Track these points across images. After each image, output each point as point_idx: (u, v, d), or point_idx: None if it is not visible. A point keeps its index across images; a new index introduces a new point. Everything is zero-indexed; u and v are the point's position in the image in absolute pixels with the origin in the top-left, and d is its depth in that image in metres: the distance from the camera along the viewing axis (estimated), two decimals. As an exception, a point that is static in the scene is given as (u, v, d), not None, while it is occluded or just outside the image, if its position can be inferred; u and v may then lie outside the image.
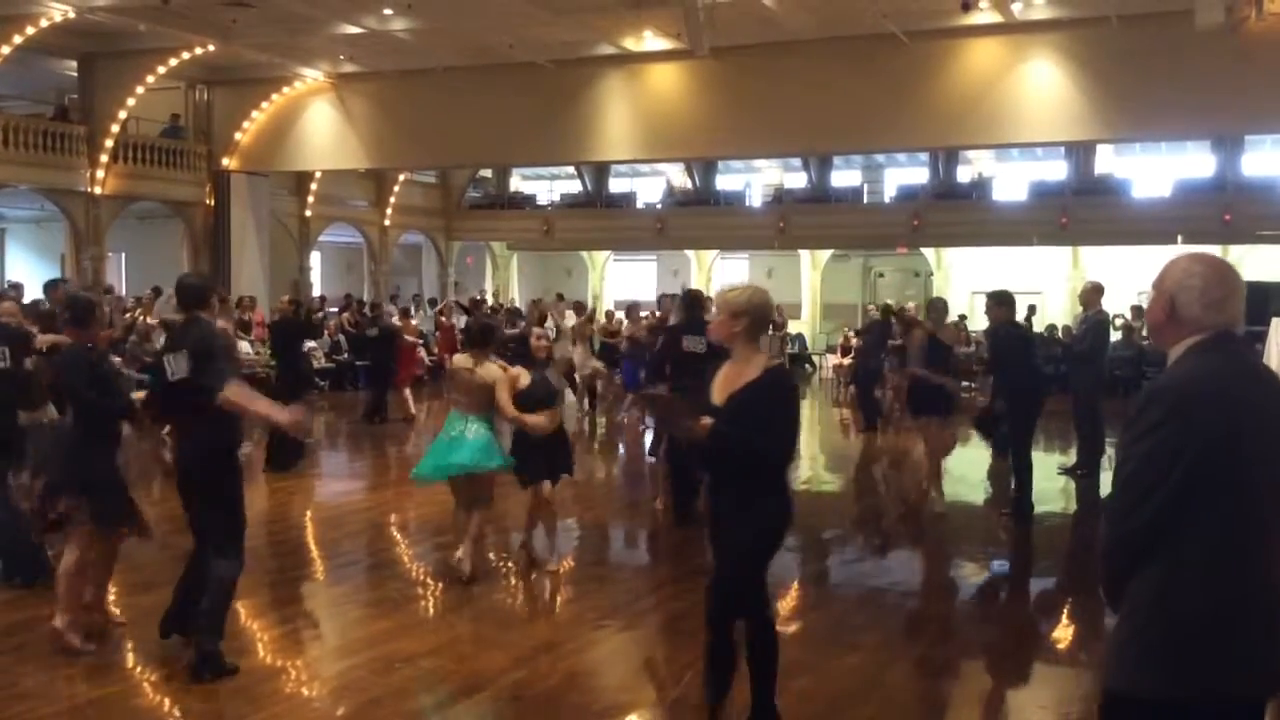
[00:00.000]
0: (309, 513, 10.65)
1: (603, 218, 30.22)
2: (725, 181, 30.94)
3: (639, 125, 20.74)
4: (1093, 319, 12.17)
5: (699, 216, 28.99)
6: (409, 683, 5.68)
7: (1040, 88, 17.94)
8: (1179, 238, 21.44)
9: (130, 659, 6.07)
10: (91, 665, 5.75)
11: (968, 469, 12.51)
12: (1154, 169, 26.36)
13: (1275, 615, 2.74)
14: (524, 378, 7.60)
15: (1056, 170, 26.92)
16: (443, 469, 7.60)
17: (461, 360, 7.81)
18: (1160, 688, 2.66)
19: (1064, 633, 7.00)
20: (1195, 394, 2.65)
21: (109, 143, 21.43)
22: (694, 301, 9.86)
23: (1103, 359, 12.71)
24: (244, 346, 17.81)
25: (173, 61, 21.28)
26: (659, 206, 30.27)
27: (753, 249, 30.74)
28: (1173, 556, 2.63)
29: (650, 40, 19.63)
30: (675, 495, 9.45)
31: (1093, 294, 12.19)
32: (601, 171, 30.47)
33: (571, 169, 31.13)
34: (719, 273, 31.41)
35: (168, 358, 5.69)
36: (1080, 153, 25.58)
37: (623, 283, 33.89)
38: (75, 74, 22.35)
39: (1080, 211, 24.59)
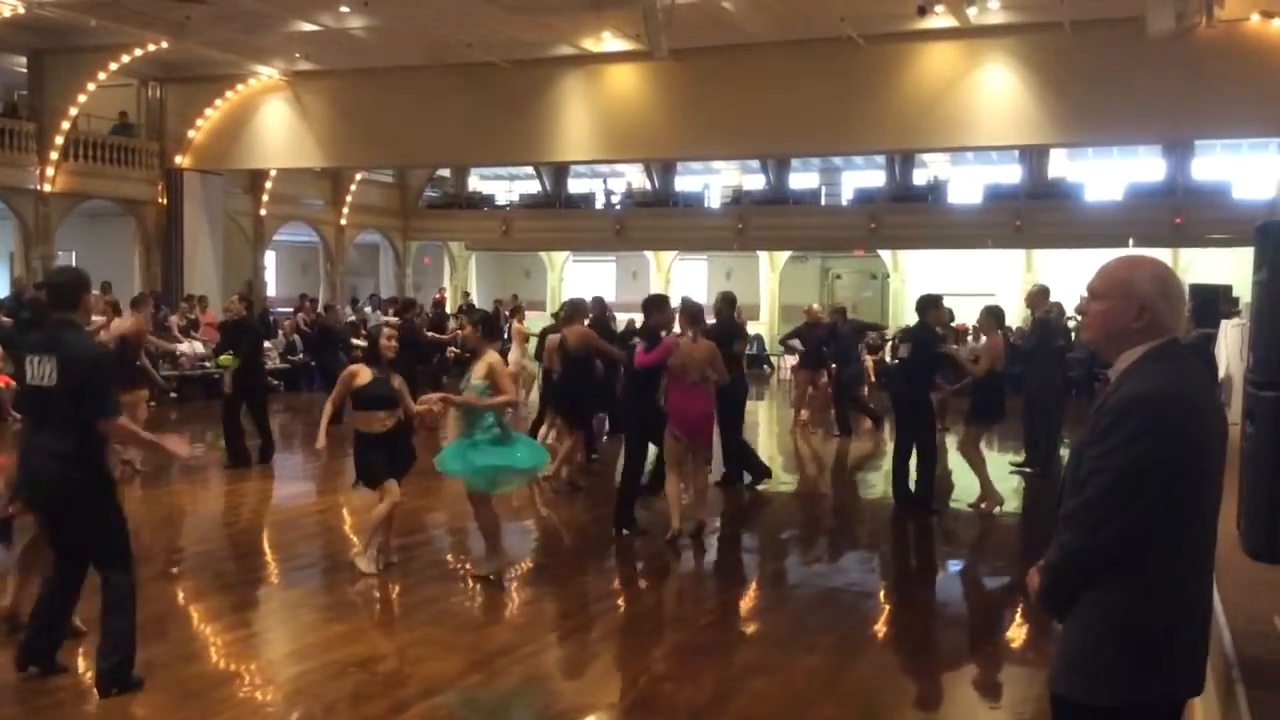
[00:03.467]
0: (264, 515, 10.53)
1: (561, 218, 30.17)
2: (684, 183, 30.99)
3: (598, 126, 20.74)
4: (1039, 320, 12.48)
5: (658, 218, 29.02)
6: (364, 687, 5.63)
7: (995, 92, 18.13)
8: (1130, 241, 21.75)
9: (81, 664, 5.96)
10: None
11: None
12: (1106, 173, 26.71)
13: (1208, 618, 2.84)
14: (364, 374, 7.64)
15: (1011, 174, 27.21)
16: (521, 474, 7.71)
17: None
18: (1123, 695, 2.68)
19: (1017, 633, 7.06)
20: (1171, 408, 2.63)
21: (59, 140, 21.12)
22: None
23: (1051, 359, 12.92)
24: (196, 347, 17.59)
25: (124, 58, 21.02)
26: (617, 207, 30.24)
27: (711, 250, 30.83)
28: (1138, 568, 2.64)
29: (609, 41, 19.64)
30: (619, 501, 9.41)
31: (1038, 296, 12.53)
32: (560, 172, 30.42)
33: (530, 169, 31.07)
34: (678, 274, 31.48)
35: (31, 358, 5.24)
36: (1034, 156, 25.88)
37: (582, 283, 33.83)
38: (24, 70, 22.01)
39: (1034, 215, 24.87)
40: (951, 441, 13.29)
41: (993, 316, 10.93)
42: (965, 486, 11.71)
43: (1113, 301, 2.77)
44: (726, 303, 11.88)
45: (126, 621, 5.34)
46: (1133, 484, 2.59)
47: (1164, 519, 2.61)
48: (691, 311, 9.39)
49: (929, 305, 10.61)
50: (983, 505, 10.50)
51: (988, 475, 10.64)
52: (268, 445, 12.59)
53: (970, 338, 18.34)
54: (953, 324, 12.04)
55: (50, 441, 5.23)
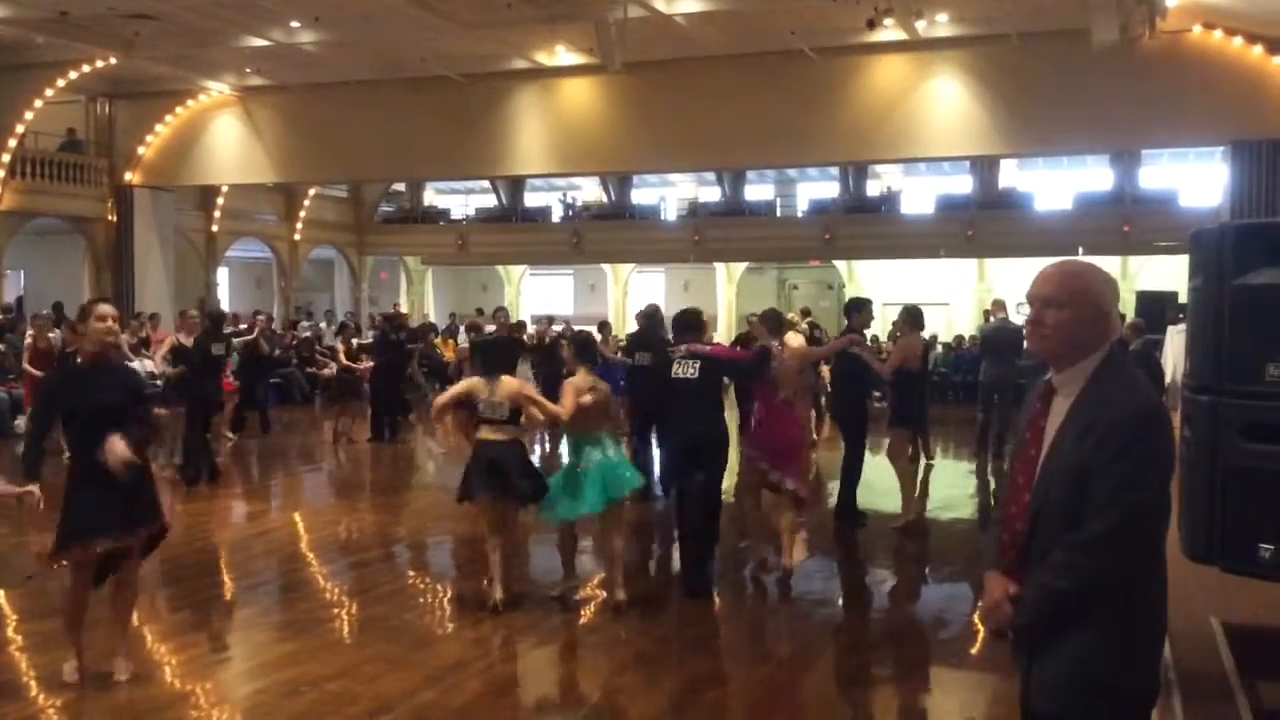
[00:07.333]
0: (218, 534, 10.41)
1: (518, 232, 30.16)
2: (640, 195, 31.10)
3: (553, 139, 20.74)
4: (995, 325, 13.94)
5: (614, 230, 29.04)
6: (316, 706, 5.59)
7: (945, 104, 18.34)
8: (1080, 249, 22.04)
9: (34, 685, 5.89)
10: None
11: (879, 478, 12.65)
12: (1055, 183, 27.10)
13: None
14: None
15: (962, 184, 27.52)
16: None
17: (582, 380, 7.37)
18: (1151, 684, 2.74)
19: (972, 639, 7.12)
20: (1168, 421, 2.67)
21: (5, 157, 20.75)
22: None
23: (1006, 358, 13.81)
24: (147, 365, 17.35)
25: (72, 74, 20.75)
26: (570, 216, 30.21)
27: (668, 262, 30.93)
28: (1152, 567, 2.69)
29: (563, 55, 19.67)
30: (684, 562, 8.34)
31: (996, 306, 12.82)
32: (516, 186, 30.42)
33: (486, 183, 31.02)
34: (635, 286, 31.55)
35: None
36: (985, 167, 26.19)
37: (539, 297, 33.87)
38: (-31, 87, 21.71)
39: (985, 224, 25.15)
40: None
41: (909, 316, 10.28)
42: (943, 497, 11.82)
43: (1075, 310, 2.69)
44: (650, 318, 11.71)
45: None
46: (1165, 501, 2.62)
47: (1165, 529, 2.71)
48: (773, 318, 9.11)
49: (852, 309, 10.50)
50: (897, 525, 10.04)
51: (912, 489, 10.26)
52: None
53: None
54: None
55: None
